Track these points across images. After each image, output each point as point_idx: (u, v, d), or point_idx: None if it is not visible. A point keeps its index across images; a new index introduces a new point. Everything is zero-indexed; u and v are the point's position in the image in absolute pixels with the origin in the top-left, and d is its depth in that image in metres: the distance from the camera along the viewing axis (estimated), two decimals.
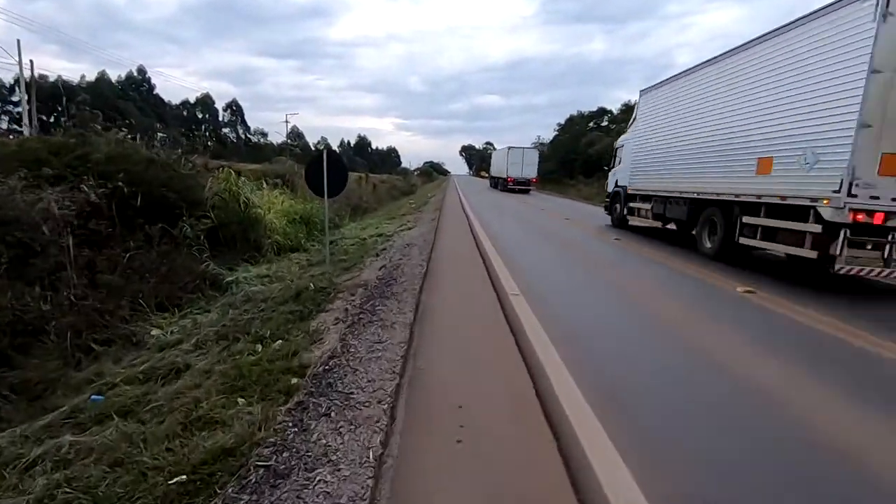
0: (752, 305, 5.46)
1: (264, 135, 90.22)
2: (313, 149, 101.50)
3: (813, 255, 6.34)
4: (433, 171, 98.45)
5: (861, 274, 6.13)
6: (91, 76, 67.68)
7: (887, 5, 5.28)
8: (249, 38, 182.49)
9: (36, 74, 59.51)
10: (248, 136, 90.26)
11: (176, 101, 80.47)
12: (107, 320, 5.25)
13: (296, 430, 2.57)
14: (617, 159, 13.95)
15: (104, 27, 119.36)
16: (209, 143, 79.79)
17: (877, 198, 5.75)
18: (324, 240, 8.22)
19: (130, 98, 72.36)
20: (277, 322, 4.81)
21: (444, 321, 4.35)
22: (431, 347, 3.62)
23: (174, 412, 3.07)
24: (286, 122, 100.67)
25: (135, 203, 8.34)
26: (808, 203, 6.37)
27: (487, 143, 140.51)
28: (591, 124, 59.60)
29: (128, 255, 7.20)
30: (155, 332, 5.26)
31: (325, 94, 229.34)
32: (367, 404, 2.71)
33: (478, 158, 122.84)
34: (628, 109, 48.90)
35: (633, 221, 12.66)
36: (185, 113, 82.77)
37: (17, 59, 25.93)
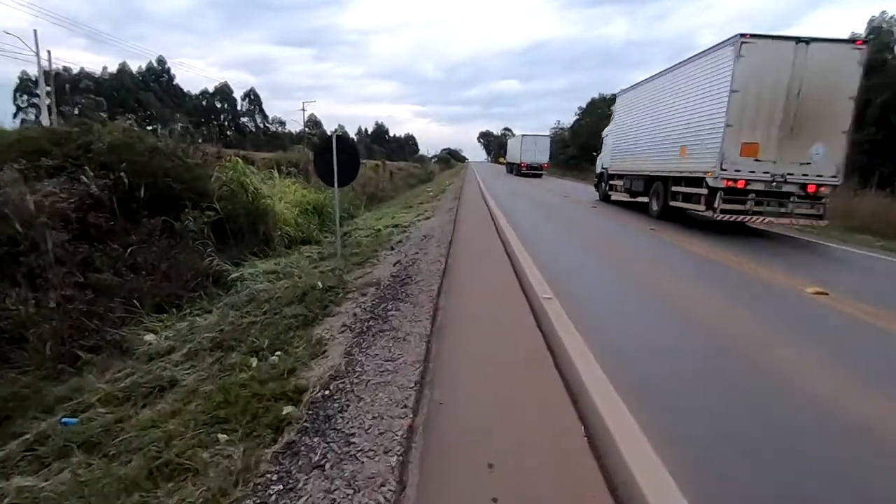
0: (825, 309, 4.71)
1: (282, 123, 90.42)
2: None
3: (703, 208, 9.57)
4: (451, 158, 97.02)
5: (732, 219, 9.11)
6: (113, 68, 68.60)
7: (740, 50, 8.33)
8: (267, 26, 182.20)
9: (60, 67, 60.34)
10: (267, 125, 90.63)
11: (195, 91, 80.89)
12: (96, 324, 4.79)
13: (280, 487, 2.02)
14: (603, 146, 17.25)
15: (126, 20, 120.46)
16: (228, 131, 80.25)
17: (739, 171, 8.77)
18: (336, 232, 7.67)
19: (151, 89, 73.24)
20: (278, 328, 4.28)
21: (467, 334, 3.72)
22: (452, 372, 3.00)
23: (143, 450, 2.55)
24: (303, 110, 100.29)
25: (138, 195, 7.91)
26: (702, 175, 9.42)
27: (506, 129, 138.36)
28: (611, 108, 57.48)
29: (129, 250, 6.78)
30: (148, 337, 4.79)
31: (342, 82, 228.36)
32: (370, 454, 2.12)
33: (496, 145, 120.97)
34: None
35: (614, 196, 15.86)
36: (204, 103, 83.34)
37: (36, 50, 25.92)
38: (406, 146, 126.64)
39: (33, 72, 56.08)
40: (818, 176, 8.71)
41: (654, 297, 5.07)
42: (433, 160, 75.65)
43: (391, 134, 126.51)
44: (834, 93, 8.44)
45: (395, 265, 6.25)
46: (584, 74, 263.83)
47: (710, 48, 9.45)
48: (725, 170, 8.74)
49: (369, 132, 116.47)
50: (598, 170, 17.53)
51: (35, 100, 59.69)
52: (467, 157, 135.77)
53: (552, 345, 3.39)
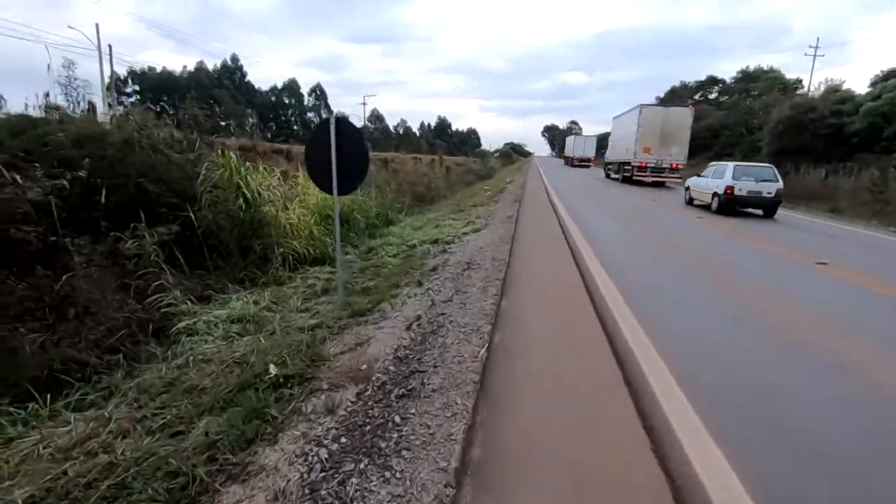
0: None
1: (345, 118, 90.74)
2: (392, 131, 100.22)
3: (629, 174, 23.76)
4: (513, 153, 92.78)
5: (641, 178, 22.85)
6: (193, 68, 71.77)
7: (641, 111, 22.43)
8: (337, 24, 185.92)
9: (145, 67, 63.74)
10: None
11: (266, 87, 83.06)
12: None
13: None
14: (608, 147, 30.24)
15: (208, 21, 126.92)
16: (294, 126, 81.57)
17: (642, 159, 22.79)
18: (338, 263, 5.31)
19: (224, 86, 75.77)
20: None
21: None
22: None
23: None
24: (363, 104, 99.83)
25: (99, 200, 6.06)
26: (630, 161, 23.61)
27: (572, 122, 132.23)
28: (695, 96, 51.67)
29: (63, 279, 4.88)
30: None
31: (408, 77, 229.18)
32: None
33: (560, 139, 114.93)
34: (745, 77, 45.23)
35: (612, 175, 27.95)
36: (273, 98, 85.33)
37: (98, 45, 26.05)
38: (468, 140, 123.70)
39: (121, 72, 59.50)
40: (676, 161, 21.65)
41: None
42: (495, 155, 72.29)
43: (454, 128, 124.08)
44: (681, 127, 21.52)
45: (408, 328, 3.81)
46: (656, 64, 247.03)
47: (631, 109, 23.73)
48: (637, 158, 22.03)
49: (432, 126, 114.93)
50: (606, 161, 30.97)
51: (122, 98, 63.28)
52: (531, 151, 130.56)
53: None
